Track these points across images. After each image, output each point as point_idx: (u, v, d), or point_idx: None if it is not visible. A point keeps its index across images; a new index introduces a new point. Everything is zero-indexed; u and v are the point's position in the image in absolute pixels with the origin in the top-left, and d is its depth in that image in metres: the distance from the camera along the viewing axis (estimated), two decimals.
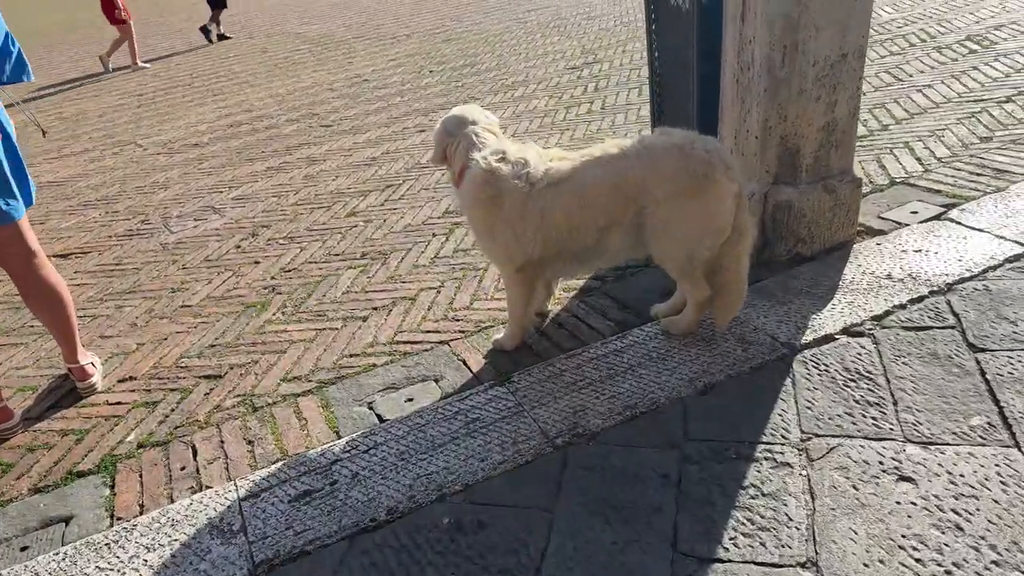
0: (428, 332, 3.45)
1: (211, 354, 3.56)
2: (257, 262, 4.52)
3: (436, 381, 3.07)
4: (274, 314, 3.86)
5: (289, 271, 4.34)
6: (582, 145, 5.86)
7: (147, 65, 12.56)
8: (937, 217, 3.64)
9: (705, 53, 3.55)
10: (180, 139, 7.73)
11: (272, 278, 4.28)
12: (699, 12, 3.49)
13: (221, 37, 14.30)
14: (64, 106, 10.33)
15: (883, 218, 3.72)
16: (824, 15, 3.02)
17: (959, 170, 4.14)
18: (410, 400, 2.96)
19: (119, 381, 3.45)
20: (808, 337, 2.90)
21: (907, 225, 3.60)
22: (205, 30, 14.23)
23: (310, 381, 3.21)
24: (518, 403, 2.76)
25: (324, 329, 3.63)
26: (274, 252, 4.64)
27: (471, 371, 3.10)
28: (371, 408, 2.96)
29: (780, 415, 2.55)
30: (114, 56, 12.66)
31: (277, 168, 6.35)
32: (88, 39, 15.69)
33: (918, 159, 4.39)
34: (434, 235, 4.54)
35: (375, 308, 3.76)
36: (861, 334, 2.90)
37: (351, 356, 3.36)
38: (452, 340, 3.35)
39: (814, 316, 3.02)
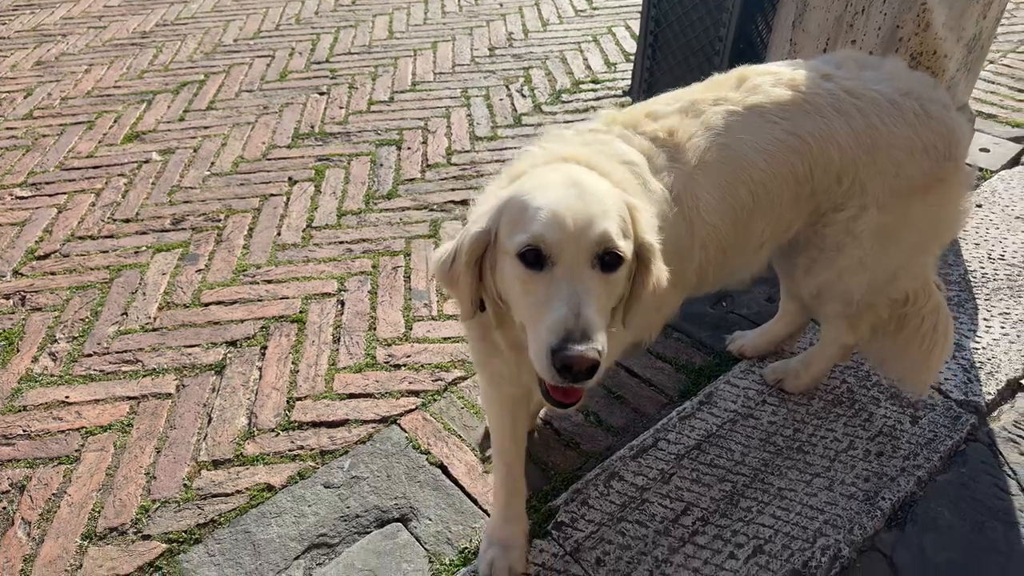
0: (351, 397, 1.99)
1: None
2: None
3: (405, 522, 1.68)
4: (35, 361, 2.13)
5: (45, 257, 2.54)
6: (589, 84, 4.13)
7: None
8: (1018, 159, 2.74)
9: None
10: None
11: (18, 274, 2.47)
12: None
13: None
14: None
15: None
16: None
17: (994, 85, 3.24)
18: None
19: None
20: (989, 388, 1.88)
21: (994, 172, 2.66)
22: None
23: (148, 537, 1.67)
24: None
25: (145, 396, 2.01)
26: (11, 216, 2.75)
27: (464, 491, 1.74)
28: None
29: None
30: None
31: None
32: None
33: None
34: (292, 180, 2.90)
35: (231, 343, 2.17)
36: None
37: (215, 465, 1.82)
38: (402, 414, 1.93)
39: (972, 344, 2.00)
